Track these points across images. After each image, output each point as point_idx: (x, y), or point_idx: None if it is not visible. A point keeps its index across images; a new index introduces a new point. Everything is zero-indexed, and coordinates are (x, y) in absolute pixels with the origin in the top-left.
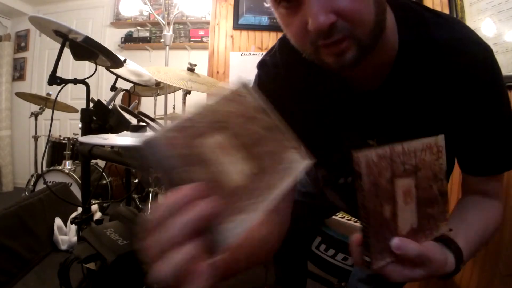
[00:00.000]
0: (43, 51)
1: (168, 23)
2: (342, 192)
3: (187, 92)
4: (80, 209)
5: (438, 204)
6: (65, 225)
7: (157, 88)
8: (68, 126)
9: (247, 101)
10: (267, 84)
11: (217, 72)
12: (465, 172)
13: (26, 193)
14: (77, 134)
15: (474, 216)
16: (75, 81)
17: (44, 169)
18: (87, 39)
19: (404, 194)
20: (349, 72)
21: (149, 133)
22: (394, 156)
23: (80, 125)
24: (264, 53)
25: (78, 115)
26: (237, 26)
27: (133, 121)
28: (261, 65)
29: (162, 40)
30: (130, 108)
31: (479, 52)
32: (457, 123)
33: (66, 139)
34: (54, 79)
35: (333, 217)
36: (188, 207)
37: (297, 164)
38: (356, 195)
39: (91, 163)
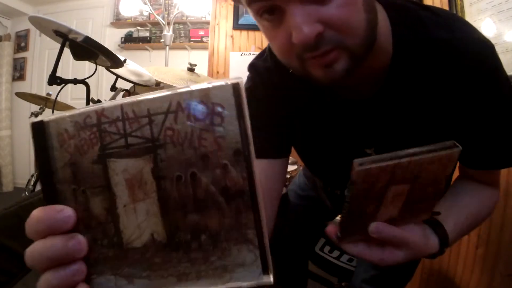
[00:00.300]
0: (43, 51)
1: (168, 23)
2: (337, 202)
3: None
4: None
5: (427, 201)
6: None
7: (157, 88)
8: None
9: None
10: (261, 88)
11: (217, 72)
12: (463, 164)
13: (26, 193)
14: None
15: (467, 200)
16: (75, 81)
17: None
18: (87, 39)
19: (393, 197)
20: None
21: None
22: (396, 168)
23: None
24: None
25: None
26: (237, 26)
27: None
28: (253, 68)
29: (162, 40)
30: None
31: (481, 51)
32: (458, 122)
33: None
34: (54, 79)
35: (337, 218)
36: (52, 236)
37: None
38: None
39: None
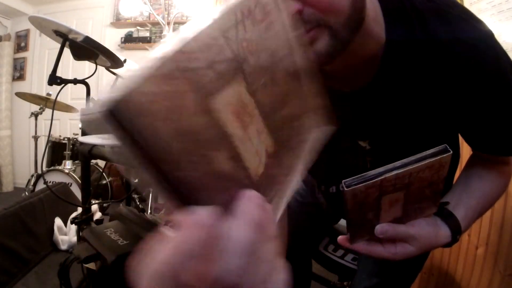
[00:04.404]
0: (43, 51)
1: (168, 23)
2: (333, 201)
3: None
4: (80, 209)
5: (428, 200)
6: (65, 225)
7: None
8: (68, 126)
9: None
10: None
11: None
12: (472, 147)
13: (26, 193)
14: (77, 134)
15: (478, 182)
16: (75, 81)
17: (44, 169)
18: (87, 39)
19: (390, 203)
20: (325, 67)
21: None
22: (384, 183)
23: (80, 125)
24: None
25: (78, 115)
26: None
27: None
28: None
29: (162, 40)
30: None
31: (480, 44)
32: (459, 112)
33: (66, 139)
34: (54, 79)
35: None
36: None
37: (311, 135)
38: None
39: (91, 163)
